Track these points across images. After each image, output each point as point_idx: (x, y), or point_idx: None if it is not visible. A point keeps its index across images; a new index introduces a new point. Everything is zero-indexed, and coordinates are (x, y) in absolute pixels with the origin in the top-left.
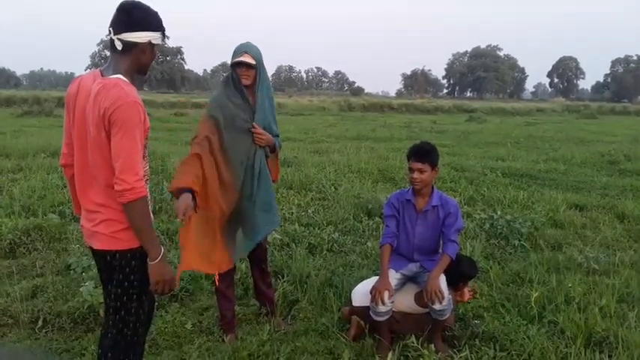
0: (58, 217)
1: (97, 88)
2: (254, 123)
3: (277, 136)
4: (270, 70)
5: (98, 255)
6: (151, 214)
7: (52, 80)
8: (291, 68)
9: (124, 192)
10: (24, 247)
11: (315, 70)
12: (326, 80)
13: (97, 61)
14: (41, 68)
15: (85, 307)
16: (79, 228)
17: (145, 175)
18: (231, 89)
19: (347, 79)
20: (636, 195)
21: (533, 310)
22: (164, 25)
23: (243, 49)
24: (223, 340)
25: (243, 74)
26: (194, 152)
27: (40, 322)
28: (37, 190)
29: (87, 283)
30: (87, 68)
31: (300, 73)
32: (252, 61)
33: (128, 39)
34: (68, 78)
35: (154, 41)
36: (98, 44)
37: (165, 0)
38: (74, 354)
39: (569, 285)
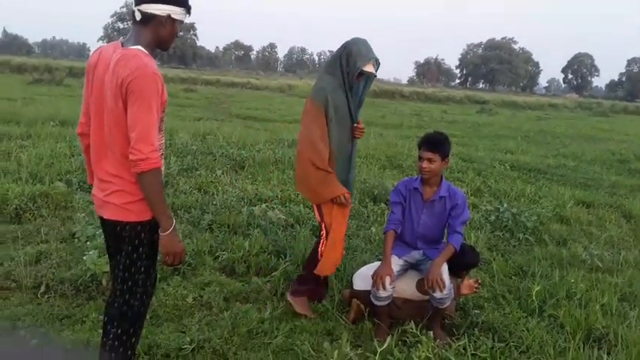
0: (64, 185)
1: (117, 57)
2: (360, 119)
3: None
4: (282, 51)
5: (108, 225)
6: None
7: (64, 49)
8: (303, 50)
9: (139, 162)
10: (30, 214)
11: (328, 53)
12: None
13: (109, 33)
14: (54, 37)
15: (88, 276)
16: (85, 197)
17: (160, 149)
18: (338, 81)
19: None
20: None
21: (534, 303)
22: (189, 2)
23: (373, 55)
24: (221, 313)
25: (359, 80)
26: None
27: (42, 288)
28: (45, 157)
29: (91, 252)
30: (99, 40)
31: (313, 55)
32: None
33: (147, 10)
34: (80, 48)
35: (174, 16)
36: (112, 16)
37: None
38: (75, 321)
39: (572, 281)
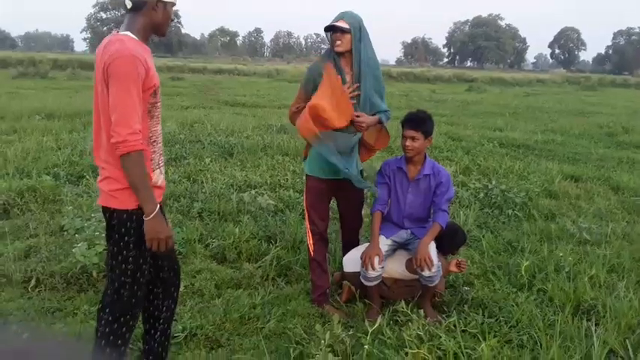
0: (52, 179)
1: (104, 44)
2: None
3: (386, 111)
4: (268, 35)
5: (102, 211)
6: (160, 172)
7: (48, 42)
8: (289, 34)
9: (118, 144)
10: (17, 208)
11: (315, 36)
12: (325, 47)
13: (92, 24)
14: (37, 30)
15: (78, 268)
16: (73, 190)
17: (152, 135)
18: (327, 58)
19: None
20: (632, 167)
21: (523, 278)
22: None
23: (340, 15)
24: (213, 301)
25: (336, 39)
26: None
27: (32, 282)
28: (32, 152)
29: (80, 244)
30: (82, 31)
31: (299, 39)
32: (346, 26)
33: None
34: (64, 40)
35: None
36: (94, 6)
37: None
38: (66, 313)
39: (560, 254)
